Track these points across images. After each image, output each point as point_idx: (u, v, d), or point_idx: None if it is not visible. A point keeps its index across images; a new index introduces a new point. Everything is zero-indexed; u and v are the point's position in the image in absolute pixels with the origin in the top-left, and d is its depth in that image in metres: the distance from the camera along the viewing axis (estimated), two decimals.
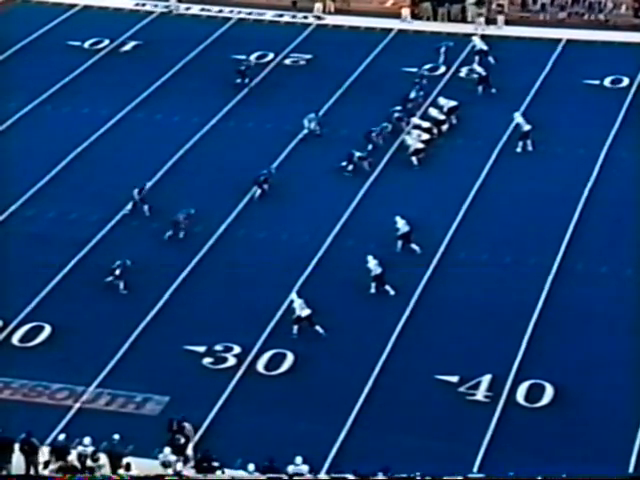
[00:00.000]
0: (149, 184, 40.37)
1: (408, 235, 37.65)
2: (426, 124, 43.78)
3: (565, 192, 40.95)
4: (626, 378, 32.57)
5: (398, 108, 44.37)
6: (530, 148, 43.18)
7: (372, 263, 35.97)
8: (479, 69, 47.89)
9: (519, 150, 43.21)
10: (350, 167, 41.96)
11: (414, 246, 37.58)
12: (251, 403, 31.90)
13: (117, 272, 35.79)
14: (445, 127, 44.33)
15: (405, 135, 43.23)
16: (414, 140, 42.71)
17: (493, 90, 46.82)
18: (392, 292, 35.66)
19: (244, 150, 43.41)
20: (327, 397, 31.93)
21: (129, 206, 39.27)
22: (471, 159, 42.83)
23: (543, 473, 28.37)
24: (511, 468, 29.00)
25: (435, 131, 43.77)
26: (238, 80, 47.62)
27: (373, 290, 35.69)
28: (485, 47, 49.59)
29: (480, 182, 41.59)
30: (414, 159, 42.40)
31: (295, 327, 34.01)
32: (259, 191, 40.51)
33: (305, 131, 43.96)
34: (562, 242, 38.26)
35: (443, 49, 49.61)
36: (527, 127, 43.31)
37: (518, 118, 43.72)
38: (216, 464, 28.65)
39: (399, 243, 37.65)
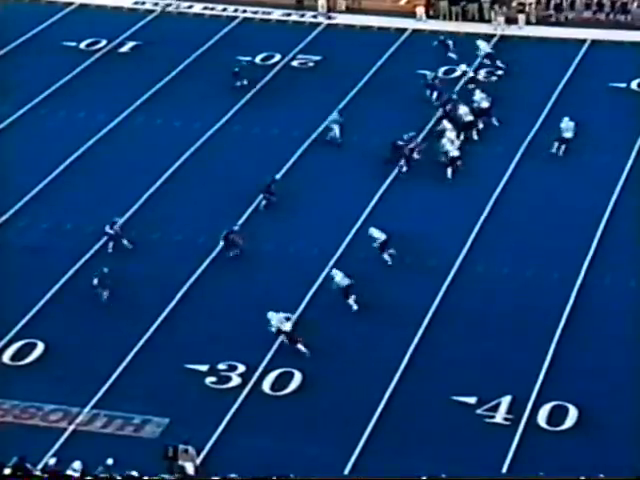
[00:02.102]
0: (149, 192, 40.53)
1: (384, 244, 37.76)
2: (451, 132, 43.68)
3: (591, 201, 40.98)
4: None
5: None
6: (561, 154, 43.25)
7: (339, 277, 36.02)
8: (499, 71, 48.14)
9: (554, 151, 43.34)
10: (405, 168, 42.34)
11: (386, 257, 37.67)
12: (256, 425, 31.88)
13: (95, 281, 35.84)
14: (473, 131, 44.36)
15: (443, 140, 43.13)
16: (452, 147, 42.76)
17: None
18: (355, 307, 35.60)
19: (249, 157, 43.53)
20: (337, 419, 31.91)
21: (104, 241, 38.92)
22: (493, 166, 42.89)
23: None
24: None
25: (462, 137, 43.82)
26: (238, 83, 47.81)
27: (355, 307, 35.70)
28: (491, 50, 49.68)
29: (500, 190, 41.63)
30: (449, 170, 42.45)
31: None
32: (264, 201, 40.54)
33: (331, 134, 43.93)
34: (587, 254, 38.27)
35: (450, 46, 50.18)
36: (569, 134, 43.39)
37: (565, 123, 43.69)
38: None
39: (383, 253, 37.83)
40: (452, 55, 49.84)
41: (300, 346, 34.00)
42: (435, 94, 46.63)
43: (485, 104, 44.71)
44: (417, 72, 48.93)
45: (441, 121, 44.31)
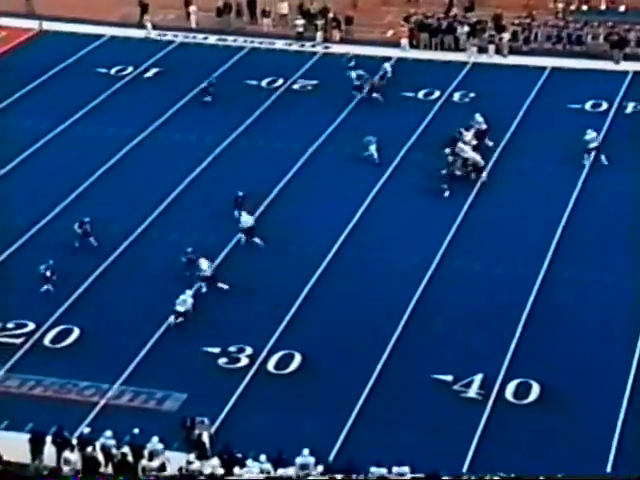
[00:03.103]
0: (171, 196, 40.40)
1: (251, 230, 38.02)
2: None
3: (550, 207, 40.85)
4: (609, 377, 32.57)
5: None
6: (605, 162, 43.15)
7: (204, 264, 36.10)
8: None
9: (586, 163, 43.20)
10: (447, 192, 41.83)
11: (257, 240, 37.95)
12: (262, 400, 31.85)
13: (47, 273, 35.64)
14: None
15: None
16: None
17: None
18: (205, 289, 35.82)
19: (256, 167, 43.30)
20: (331, 395, 31.88)
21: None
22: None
23: (530, 468, 28.39)
24: (500, 459, 29.09)
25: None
26: (206, 98, 47.91)
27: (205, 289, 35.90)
28: (389, 69, 50.05)
29: (472, 197, 41.46)
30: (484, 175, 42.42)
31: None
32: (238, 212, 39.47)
33: (367, 153, 43.41)
34: (547, 253, 38.14)
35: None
36: (594, 144, 43.31)
37: (590, 134, 43.53)
38: (239, 455, 28.55)
39: (242, 237, 38.14)
40: (360, 73, 49.52)
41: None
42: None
43: (484, 126, 44.19)
44: (402, 94, 48.94)
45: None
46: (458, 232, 39.44)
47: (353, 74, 48.83)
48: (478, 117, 44.40)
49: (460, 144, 42.64)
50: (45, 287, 35.78)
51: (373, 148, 43.36)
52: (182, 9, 56.32)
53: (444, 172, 42.17)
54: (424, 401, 31.70)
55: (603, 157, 43.39)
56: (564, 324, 34.83)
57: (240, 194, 39.76)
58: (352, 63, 50.49)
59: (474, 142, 43.23)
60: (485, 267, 37.53)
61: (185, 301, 34.68)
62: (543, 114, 47.19)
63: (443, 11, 55.80)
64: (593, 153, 43.38)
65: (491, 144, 44.21)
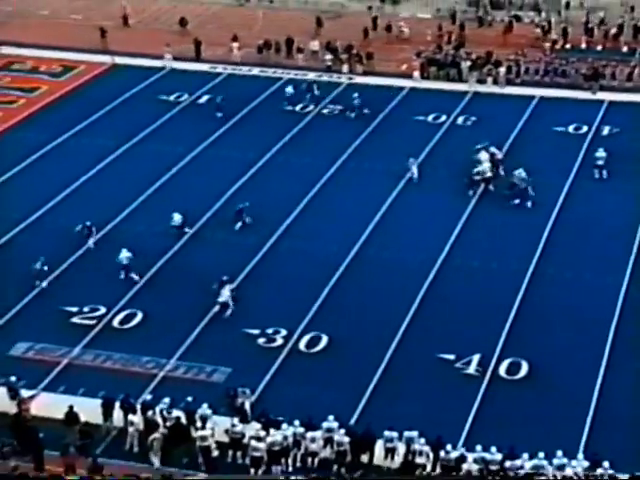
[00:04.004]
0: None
1: (182, 226, 38.19)
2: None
3: (537, 214, 40.69)
4: (585, 359, 32.57)
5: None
6: (605, 176, 42.92)
7: (124, 254, 36.17)
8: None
9: (597, 176, 42.99)
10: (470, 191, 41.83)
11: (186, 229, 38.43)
12: (294, 374, 31.96)
13: (39, 266, 35.47)
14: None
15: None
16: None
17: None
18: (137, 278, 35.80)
19: (289, 179, 43.33)
20: (352, 370, 31.93)
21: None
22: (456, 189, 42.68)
23: (518, 432, 28.34)
24: (494, 425, 29.14)
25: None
26: (219, 114, 48.20)
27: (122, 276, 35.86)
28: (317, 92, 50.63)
29: (471, 208, 41.40)
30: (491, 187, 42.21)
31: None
32: (248, 218, 39.58)
33: (409, 174, 43.08)
34: (536, 252, 38.07)
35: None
36: (600, 161, 43.13)
37: (600, 152, 43.43)
38: (280, 418, 28.66)
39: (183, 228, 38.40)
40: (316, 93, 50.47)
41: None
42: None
43: (500, 156, 43.75)
44: (414, 118, 48.93)
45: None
46: (460, 234, 39.39)
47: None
48: (494, 149, 44.06)
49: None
50: (38, 282, 35.49)
51: (415, 168, 43.07)
52: (228, 45, 56.40)
53: (477, 178, 42.08)
54: (430, 376, 31.76)
55: (605, 172, 43.18)
56: (549, 313, 34.76)
57: (241, 206, 39.65)
58: (315, 87, 50.95)
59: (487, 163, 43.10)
60: (482, 264, 37.46)
61: (223, 294, 34.65)
62: (533, 135, 47.07)
63: (451, 47, 55.77)
64: (603, 169, 43.17)
65: (502, 174, 43.36)
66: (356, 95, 49.49)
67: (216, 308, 34.57)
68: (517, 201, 41.15)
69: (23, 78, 53.32)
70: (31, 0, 64.17)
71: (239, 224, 39.49)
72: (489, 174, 42.43)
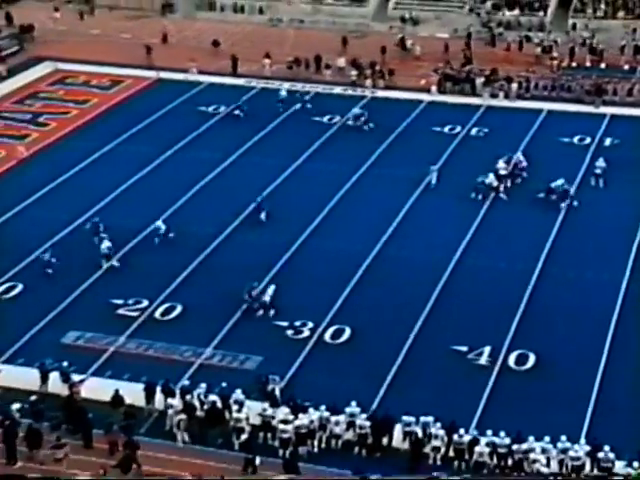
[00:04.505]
0: None
1: (166, 233, 37.79)
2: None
3: (543, 219, 40.40)
4: (587, 351, 32.33)
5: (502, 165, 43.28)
6: (602, 185, 42.65)
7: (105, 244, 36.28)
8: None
9: (593, 184, 42.73)
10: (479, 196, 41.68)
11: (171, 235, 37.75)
12: (320, 363, 31.87)
13: (47, 257, 35.57)
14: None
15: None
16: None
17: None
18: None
19: (316, 184, 43.19)
20: (373, 360, 31.78)
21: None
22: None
23: (525, 418, 28.15)
24: (503, 411, 28.92)
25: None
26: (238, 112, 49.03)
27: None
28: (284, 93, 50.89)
29: (483, 213, 41.15)
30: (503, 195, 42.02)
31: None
32: (263, 214, 39.77)
33: (428, 179, 42.89)
34: (542, 252, 37.80)
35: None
36: (598, 170, 42.94)
37: (600, 162, 43.23)
38: (307, 403, 28.58)
39: (156, 240, 37.83)
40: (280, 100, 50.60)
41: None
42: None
43: (524, 163, 43.43)
44: (431, 129, 48.72)
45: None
46: (472, 236, 39.17)
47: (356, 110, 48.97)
48: (520, 156, 43.87)
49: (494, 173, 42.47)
50: (47, 270, 35.65)
51: (434, 175, 42.82)
52: (262, 62, 56.36)
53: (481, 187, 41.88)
54: (445, 366, 31.58)
55: (601, 180, 42.93)
56: (554, 309, 34.51)
57: (259, 199, 39.99)
58: (306, 97, 51.06)
59: (503, 172, 42.71)
60: (493, 263, 37.22)
61: (267, 293, 34.47)
62: (541, 145, 46.70)
63: (461, 64, 55.50)
64: (601, 177, 42.95)
65: (525, 174, 43.27)
66: (359, 110, 49.27)
67: (249, 306, 34.42)
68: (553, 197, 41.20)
69: (76, 91, 53.49)
70: (84, 21, 64.31)
71: (263, 214, 39.61)
72: (495, 184, 42.09)
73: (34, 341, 32.51)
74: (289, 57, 56.61)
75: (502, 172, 42.78)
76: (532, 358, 31.91)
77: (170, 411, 28.86)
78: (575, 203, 41.09)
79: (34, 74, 55.26)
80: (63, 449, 27.21)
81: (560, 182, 41.30)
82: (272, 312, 34.11)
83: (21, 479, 26.19)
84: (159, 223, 38.38)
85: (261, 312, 33.98)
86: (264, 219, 39.69)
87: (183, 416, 28.35)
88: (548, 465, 26.92)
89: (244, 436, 27.87)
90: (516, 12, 63.20)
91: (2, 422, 27.89)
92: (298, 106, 50.83)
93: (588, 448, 27.29)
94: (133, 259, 37.50)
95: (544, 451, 26.99)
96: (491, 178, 42.17)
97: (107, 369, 31.27)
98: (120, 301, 34.65)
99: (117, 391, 29.33)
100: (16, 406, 28.52)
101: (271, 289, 34.50)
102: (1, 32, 59.05)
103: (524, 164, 43.58)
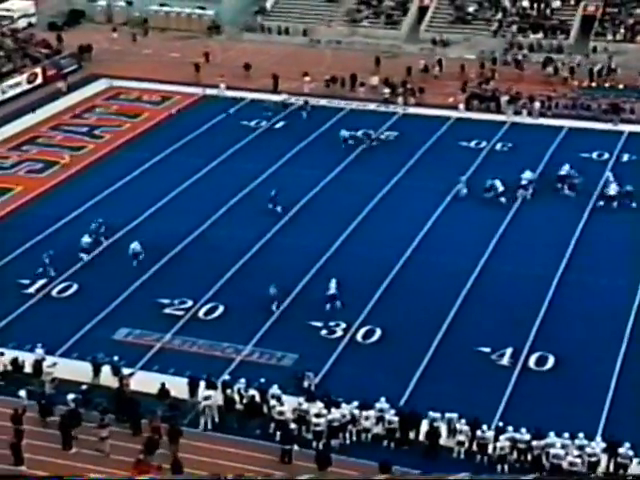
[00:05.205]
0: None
1: (138, 255, 36.65)
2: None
3: (562, 229, 40.11)
4: (604, 355, 31.98)
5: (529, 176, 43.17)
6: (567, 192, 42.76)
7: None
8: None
9: (559, 187, 42.89)
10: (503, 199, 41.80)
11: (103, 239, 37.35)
12: (351, 361, 31.74)
13: (47, 261, 35.61)
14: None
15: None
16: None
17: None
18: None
19: (351, 194, 43.09)
20: (402, 360, 31.63)
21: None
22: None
23: (544, 416, 27.84)
24: (523, 410, 28.62)
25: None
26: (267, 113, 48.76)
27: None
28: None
29: (508, 221, 40.89)
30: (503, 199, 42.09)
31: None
32: (279, 207, 40.25)
33: (457, 189, 42.71)
34: (562, 260, 37.46)
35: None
36: (563, 172, 43.11)
37: (565, 170, 43.27)
38: (340, 399, 28.45)
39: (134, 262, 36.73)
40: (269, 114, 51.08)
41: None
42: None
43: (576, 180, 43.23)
44: (459, 144, 48.48)
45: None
46: (497, 243, 38.90)
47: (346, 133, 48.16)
48: (566, 167, 43.71)
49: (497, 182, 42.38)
50: (40, 269, 35.66)
51: (464, 186, 42.68)
52: (301, 80, 56.39)
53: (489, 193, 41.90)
54: (468, 366, 31.34)
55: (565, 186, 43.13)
56: (573, 312, 34.21)
57: (273, 193, 40.17)
58: (270, 113, 51.22)
59: (525, 181, 42.80)
60: (516, 269, 36.93)
61: (331, 287, 34.41)
62: (562, 160, 46.18)
63: (479, 83, 55.33)
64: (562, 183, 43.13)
65: (577, 181, 43.20)
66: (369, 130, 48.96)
67: (286, 302, 34.41)
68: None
69: (129, 106, 53.81)
70: (137, 42, 64.78)
71: (279, 207, 40.13)
72: (501, 189, 42.02)
73: (87, 337, 32.70)
74: (326, 75, 56.63)
75: (524, 182, 42.82)
76: (551, 359, 31.58)
77: (201, 400, 28.81)
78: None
79: (91, 90, 55.72)
80: (107, 428, 27.48)
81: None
82: (338, 304, 33.99)
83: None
84: (134, 245, 36.98)
85: (329, 306, 33.92)
86: (280, 211, 40.04)
87: (209, 402, 28.36)
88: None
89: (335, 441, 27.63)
90: (540, 35, 62.79)
91: (66, 416, 28.04)
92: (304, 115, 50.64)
93: (604, 445, 26.96)
94: (179, 262, 37.60)
95: (563, 447, 26.69)
96: (497, 183, 42.19)
97: (154, 364, 31.34)
98: (167, 301, 34.72)
99: (163, 384, 29.41)
100: (71, 396, 28.72)
101: (333, 282, 34.37)
102: (62, 52, 59.61)
103: (575, 181, 43.08)
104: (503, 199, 42.10)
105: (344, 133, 48.03)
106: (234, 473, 25.78)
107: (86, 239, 37.43)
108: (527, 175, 43.20)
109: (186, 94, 55.22)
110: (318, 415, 27.98)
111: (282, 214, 40.36)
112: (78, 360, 31.22)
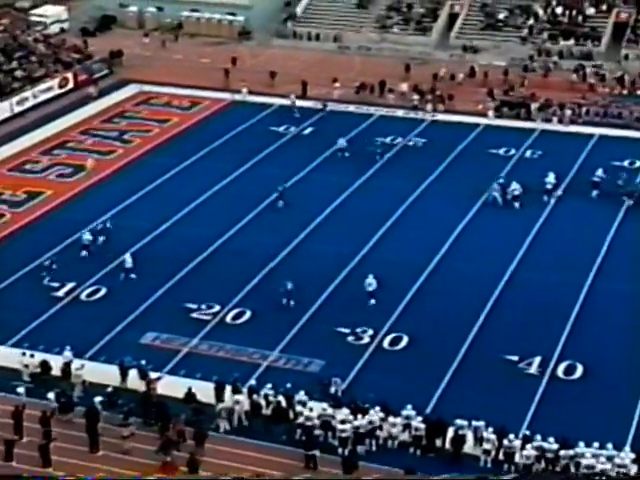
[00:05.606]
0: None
1: (131, 270, 36.33)
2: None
3: (593, 235, 39.91)
4: (632, 364, 31.67)
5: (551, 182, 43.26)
6: (552, 201, 42.66)
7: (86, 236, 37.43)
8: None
9: (546, 199, 42.67)
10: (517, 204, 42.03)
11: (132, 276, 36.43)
12: (378, 368, 31.73)
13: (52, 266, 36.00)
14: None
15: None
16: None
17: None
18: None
19: (381, 199, 43.12)
20: (428, 367, 31.57)
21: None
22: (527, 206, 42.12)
23: (571, 425, 27.65)
24: (550, 419, 28.43)
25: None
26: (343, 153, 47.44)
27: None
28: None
29: (537, 228, 40.69)
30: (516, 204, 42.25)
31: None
32: (281, 202, 41.39)
33: (492, 196, 42.66)
34: (592, 266, 37.31)
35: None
36: (596, 178, 43.17)
37: (550, 177, 43.38)
38: (366, 405, 28.44)
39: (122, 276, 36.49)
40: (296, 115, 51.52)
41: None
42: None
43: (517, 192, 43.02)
44: (487, 151, 48.36)
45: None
46: (526, 250, 38.73)
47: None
48: (599, 171, 43.62)
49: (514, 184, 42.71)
50: (44, 274, 36.04)
51: (497, 194, 42.59)
52: (330, 86, 56.49)
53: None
54: (496, 375, 31.20)
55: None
56: (603, 321, 33.98)
57: (280, 188, 41.16)
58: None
59: (549, 186, 42.94)
60: (545, 277, 36.71)
61: (372, 284, 34.65)
62: (592, 167, 45.92)
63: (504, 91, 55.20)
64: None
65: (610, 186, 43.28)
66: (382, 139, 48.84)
67: (313, 308, 34.41)
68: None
69: (158, 111, 54.14)
70: (167, 47, 65.20)
71: (281, 202, 41.28)
72: (518, 192, 42.24)
73: (115, 340, 32.93)
74: (356, 82, 56.66)
75: (548, 187, 42.86)
76: (580, 369, 31.39)
77: (237, 407, 28.89)
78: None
79: (121, 95, 56.14)
80: (129, 427, 27.70)
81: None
82: (372, 302, 34.23)
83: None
84: (126, 257, 36.81)
85: (373, 301, 34.32)
86: (281, 206, 40.95)
87: (226, 405, 28.52)
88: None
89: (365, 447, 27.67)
90: (571, 42, 62.49)
91: (86, 414, 28.31)
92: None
93: (633, 455, 26.73)
94: (207, 267, 37.75)
95: (594, 456, 26.50)
96: (516, 186, 42.27)
97: (181, 368, 31.49)
98: (194, 305, 34.87)
99: (190, 389, 29.53)
100: (98, 399, 28.94)
101: (370, 278, 34.60)
102: (93, 58, 60.16)
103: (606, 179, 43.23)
104: (517, 204, 42.15)
105: (342, 142, 47.67)
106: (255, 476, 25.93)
107: (87, 236, 38.15)
108: (551, 179, 43.10)
109: (215, 99, 55.50)
110: (344, 421, 27.95)
111: (282, 208, 41.23)
112: (105, 364, 31.43)
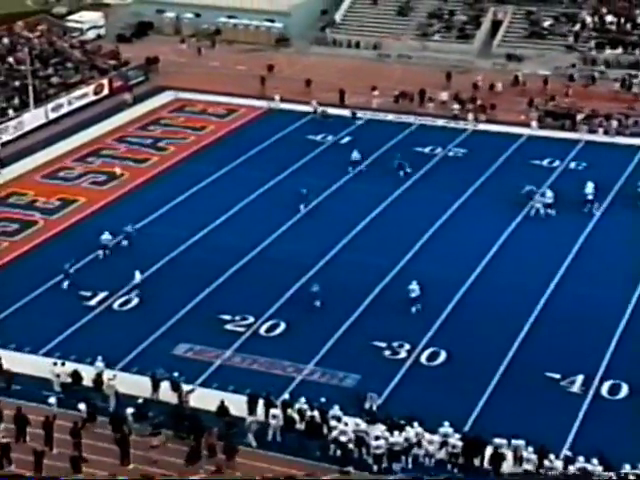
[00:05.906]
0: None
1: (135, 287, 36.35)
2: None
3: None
4: None
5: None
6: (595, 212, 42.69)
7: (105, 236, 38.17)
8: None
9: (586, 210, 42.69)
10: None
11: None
12: (415, 383, 31.50)
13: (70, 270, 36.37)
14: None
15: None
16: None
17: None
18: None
19: (419, 210, 42.97)
20: (467, 384, 31.27)
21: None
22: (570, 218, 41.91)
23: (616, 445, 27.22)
24: (594, 439, 28.02)
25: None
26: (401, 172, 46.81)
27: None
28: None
29: (582, 241, 40.34)
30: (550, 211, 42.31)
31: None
32: (302, 206, 41.86)
33: (535, 208, 42.59)
34: (639, 282, 36.88)
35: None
36: (590, 195, 42.93)
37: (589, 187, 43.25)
38: (402, 422, 28.31)
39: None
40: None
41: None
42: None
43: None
44: (530, 162, 47.95)
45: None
46: (571, 263, 38.50)
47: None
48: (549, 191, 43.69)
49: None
50: (66, 281, 36.29)
51: (540, 205, 42.44)
52: (369, 94, 56.44)
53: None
54: (537, 392, 30.86)
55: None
56: None
57: (304, 191, 41.26)
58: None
59: (591, 196, 43.02)
60: (590, 291, 36.36)
61: (415, 290, 34.93)
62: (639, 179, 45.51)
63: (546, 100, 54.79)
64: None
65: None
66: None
67: (348, 323, 34.26)
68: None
69: (194, 119, 54.43)
70: (203, 54, 65.59)
71: (302, 205, 41.60)
72: (549, 201, 42.35)
73: (148, 351, 33.02)
74: (395, 90, 56.56)
75: (590, 197, 42.85)
76: (625, 388, 30.94)
77: (273, 422, 28.87)
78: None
79: (156, 102, 56.55)
80: (158, 437, 27.86)
81: None
82: (417, 308, 34.54)
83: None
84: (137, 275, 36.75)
85: (419, 306, 34.59)
86: (302, 209, 41.20)
87: (254, 418, 28.51)
88: None
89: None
90: (619, 51, 61.88)
91: (116, 427, 28.39)
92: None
93: None
94: (241, 277, 37.77)
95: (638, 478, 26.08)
96: (549, 194, 42.45)
97: (214, 380, 31.48)
98: (228, 317, 34.88)
99: (222, 402, 29.50)
100: (130, 410, 29.01)
101: (413, 284, 34.76)
102: (129, 64, 60.67)
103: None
104: (548, 210, 42.34)
105: (355, 155, 47.30)
106: None
107: (106, 236, 38.60)
108: (589, 189, 42.79)
109: (251, 107, 55.70)
110: (378, 437, 27.76)
111: (303, 212, 41.56)
112: (137, 375, 31.51)
